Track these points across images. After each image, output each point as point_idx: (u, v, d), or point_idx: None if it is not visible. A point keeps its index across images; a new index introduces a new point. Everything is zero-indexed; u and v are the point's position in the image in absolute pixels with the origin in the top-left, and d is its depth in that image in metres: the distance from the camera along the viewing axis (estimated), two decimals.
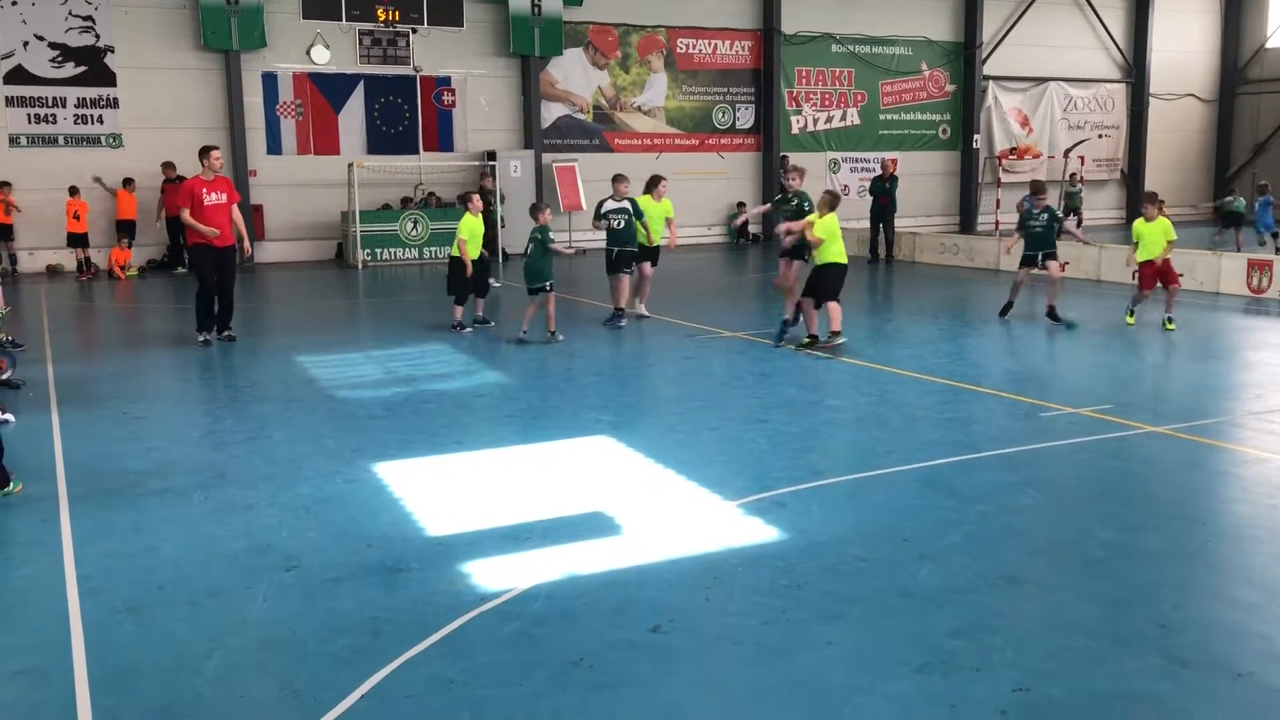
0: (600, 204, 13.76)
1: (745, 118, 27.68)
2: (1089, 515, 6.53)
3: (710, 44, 27.02)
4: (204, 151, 12.37)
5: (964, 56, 29.66)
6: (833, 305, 11.50)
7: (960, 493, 6.88)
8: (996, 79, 30.21)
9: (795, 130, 28.13)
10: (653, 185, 14.15)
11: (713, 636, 4.86)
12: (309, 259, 23.36)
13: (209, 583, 5.48)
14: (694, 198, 25.78)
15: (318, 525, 6.32)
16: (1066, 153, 29.82)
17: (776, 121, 27.56)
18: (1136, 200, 31.41)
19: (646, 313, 14.12)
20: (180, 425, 9.09)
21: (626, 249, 13.55)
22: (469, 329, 13.30)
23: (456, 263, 13.32)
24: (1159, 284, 13.01)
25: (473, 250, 13.13)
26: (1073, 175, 27.94)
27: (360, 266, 21.99)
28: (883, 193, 22.45)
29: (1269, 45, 32.02)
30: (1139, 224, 13.15)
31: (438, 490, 7.01)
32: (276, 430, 8.72)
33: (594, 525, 6.28)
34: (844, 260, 11.61)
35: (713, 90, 27.25)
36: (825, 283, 11.52)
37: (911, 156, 28.79)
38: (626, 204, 13.55)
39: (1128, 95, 32.11)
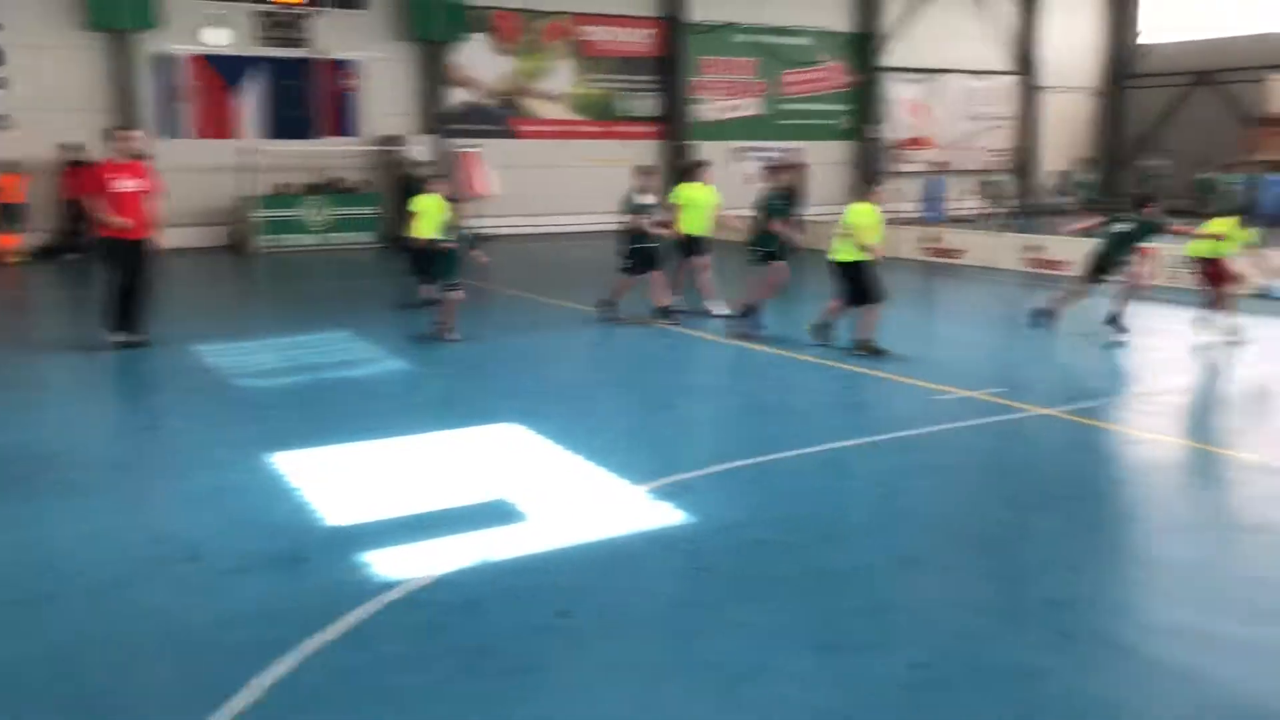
0: (630, 196, 12.73)
1: (649, 106, 27.73)
2: (983, 495, 6.74)
3: (614, 31, 26.99)
4: (114, 132, 11.13)
5: (864, 48, 30.13)
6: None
7: (860, 476, 7.05)
8: (896, 70, 30.77)
9: (699, 119, 28.29)
10: (696, 171, 13.20)
11: (620, 620, 4.90)
12: (205, 245, 22.75)
13: (107, 574, 5.34)
14: (598, 185, 25.76)
15: (218, 515, 6.20)
16: (963, 144, 30.52)
17: (680, 110, 27.69)
18: (1032, 191, 32.28)
19: (724, 310, 12.77)
20: (76, 415, 8.81)
21: (654, 245, 12.77)
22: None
23: (417, 242, 12.67)
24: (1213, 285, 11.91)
25: (426, 229, 12.34)
26: (993, 164, 28.79)
27: (259, 253, 21.51)
28: None
29: (1150, 42, 33.15)
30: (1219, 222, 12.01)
31: (340, 479, 6.92)
32: (175, 420, 8.51)
33: (501, 512, 6.27)
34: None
35: (617, 78, 27.23)
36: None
37: (812, 146, 29.15)
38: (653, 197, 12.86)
39: (1021, 87, 32.98)
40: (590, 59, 26.83)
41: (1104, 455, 7.84)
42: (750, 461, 7.31)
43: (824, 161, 29.32)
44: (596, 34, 26.85)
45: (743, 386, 9.73)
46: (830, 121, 30.26)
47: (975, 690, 4.26)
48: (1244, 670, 4.45)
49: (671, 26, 27.35)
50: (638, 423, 8.45)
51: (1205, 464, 7.60)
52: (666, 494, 6.58)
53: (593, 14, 26.55)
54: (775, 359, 10.82)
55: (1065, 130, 33.52)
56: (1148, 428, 8.31)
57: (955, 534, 6.10)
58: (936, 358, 11.21)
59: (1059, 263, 17.87)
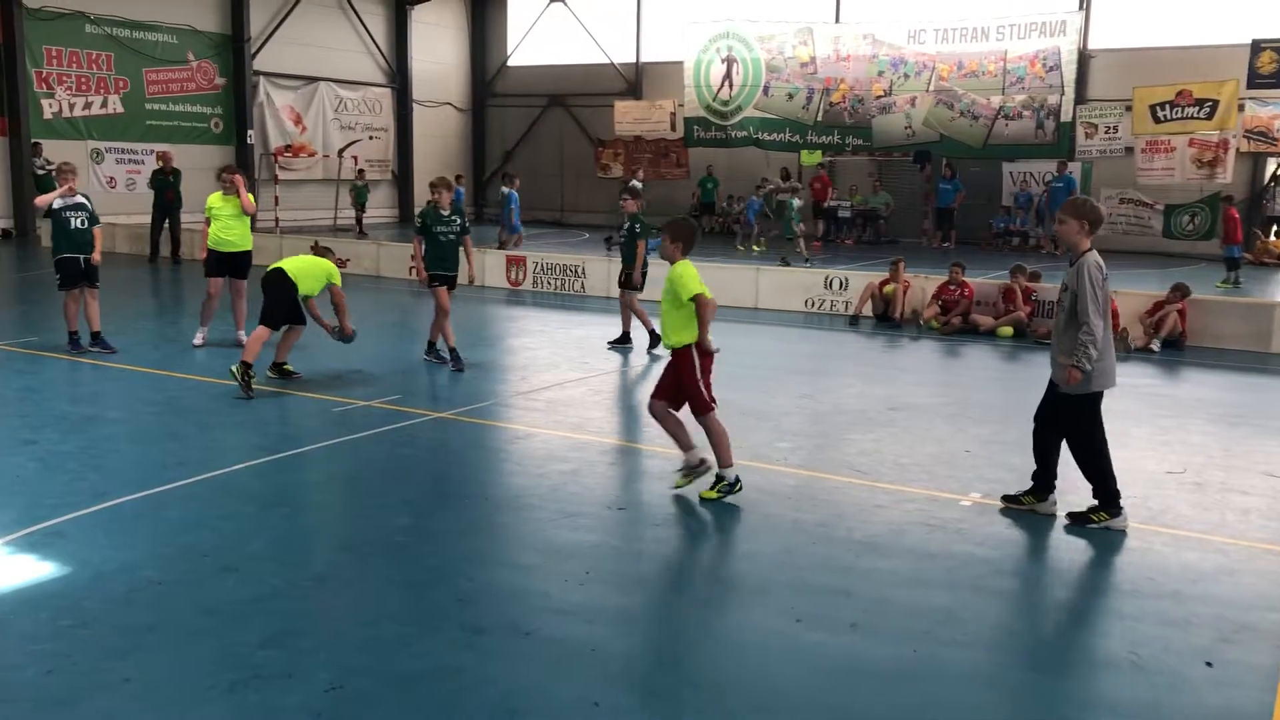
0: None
1: None
2: (387, 504, 6.76)
3: None
4: None
5: (233, 49, 29.02)
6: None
7: (261, 497, 6.73)
8: (267, 75, 30.02)
9: (49, 115, 25.36)
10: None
11: None
12: None
13: None
14: None
15: None
16: (341, 152, 30.66)
17: (25, 104, 24.62)
18: (410, 201, 33.35)
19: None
20: None
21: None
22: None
23: None
24: None
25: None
26: (361, 172, 29.17)
27: None
28: (166, 186, 21.19)
29: (510, 64, 35.81)
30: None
31: None
32: None
33: None
34: None
35: None
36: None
37: (184, 150, 27.45)
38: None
39: (394, 100, 33.86)
40: None
41: (494, 452, 8.26)
42: (138, 495, 6.66)
43: (199, 166, 27.84)
44: None
45: (117, 413, 8.83)
46: (200, 124, 28.76)
47: (390, 702, 4.24)
48: (616, 631, 4.93)
49: (5, 9, 24.20)
50: None
51: (579, 450, 8.25)
52: (31, 544, 5.77)
53: None
54: (154, 380, 9.99)
55: (437, 144, 35.09)
56: (530, 423, 8.90)
57: (363, 546, 6.04)
58: (332, 369, 11.04)
59: None
